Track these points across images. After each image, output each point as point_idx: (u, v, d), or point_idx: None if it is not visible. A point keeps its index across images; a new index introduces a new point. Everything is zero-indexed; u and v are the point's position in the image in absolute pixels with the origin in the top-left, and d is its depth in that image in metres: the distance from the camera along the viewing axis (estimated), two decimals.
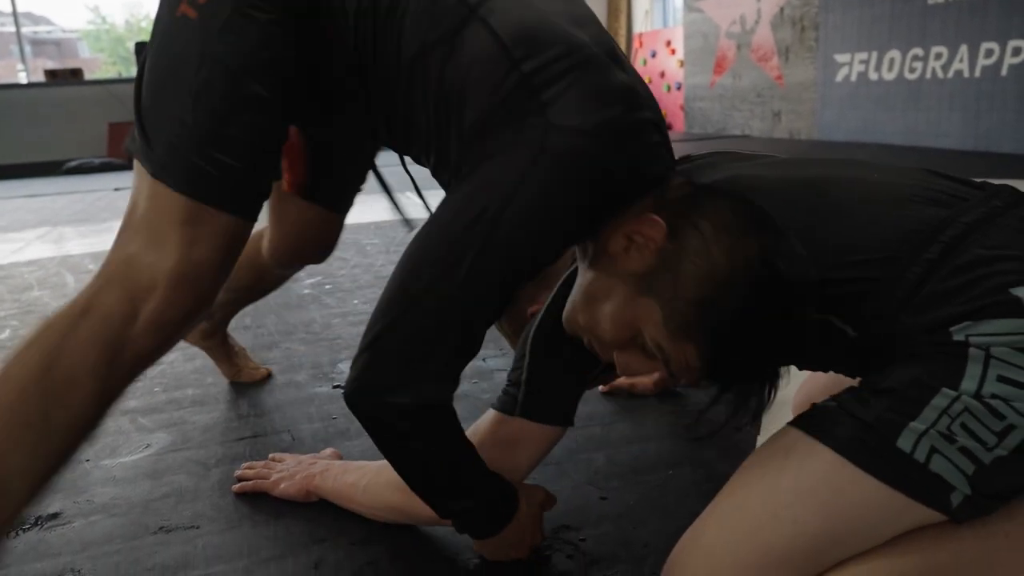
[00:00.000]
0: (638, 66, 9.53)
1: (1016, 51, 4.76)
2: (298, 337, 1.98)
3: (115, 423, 1.49)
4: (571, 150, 0.80)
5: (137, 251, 0.82)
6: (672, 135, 8.31)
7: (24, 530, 1.12)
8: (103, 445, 1.40)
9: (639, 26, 9.70)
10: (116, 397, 0.85)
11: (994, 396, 0.71)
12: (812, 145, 6.35)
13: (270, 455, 1.29)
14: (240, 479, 1.23)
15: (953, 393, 0.72)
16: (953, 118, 5.27)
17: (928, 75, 5.42)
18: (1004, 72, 4.84)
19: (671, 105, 9.00)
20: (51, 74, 8.26)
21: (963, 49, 5.12)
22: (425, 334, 0.83)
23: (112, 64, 20.91)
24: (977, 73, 5.03)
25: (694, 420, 1.10)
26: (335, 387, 1.64)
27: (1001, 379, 0.71)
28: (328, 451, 1.28)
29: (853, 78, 6.12)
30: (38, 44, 20.67)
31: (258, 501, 1.19)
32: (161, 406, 1.57)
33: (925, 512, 0.73)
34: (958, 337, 0.72)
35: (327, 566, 1.02)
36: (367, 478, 1.08)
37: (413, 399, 0.83)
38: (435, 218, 0.85)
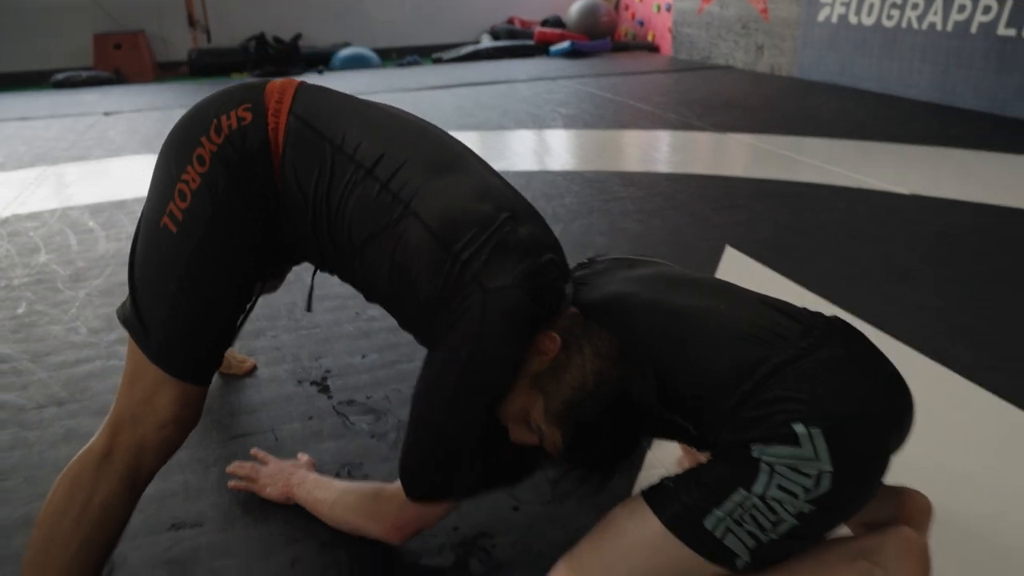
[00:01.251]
0: None
1: (986, 9, 4.87)
2: (282, 324, 2.27)
3: None
4: (505, 302, 1.07)
5: (142, 410, 1.13)
6: (660, 60, 8.36)
7: None
8: None
9: None
10: (135, 504, 1.17)
11: (773, 499, 1.02)
12: (791, 82, 6.48)
13: (252, 451, 1.61)
14: (231, 474, 1.55)
15: (747, 493, 1.03)
16: (924, 69, 5.41)
17: (904, 24, 5.52)
18: (974, 29, 4.96)
19: (660, 27, 8.97)
20: None
21: (938, 2, 5.21)
22: (440, 460, 1.14)
23: None
24: (949, 27, 5.15)
25: (552, 486, 1.40)
26: (312, 384, 1.94)
27: (779, 487, 1.02)
28: (304, 459, 1.59)
29: (834, 19, 6.19)
30: None
31: (248, 500, 1.51)
32: None
33: (717, 570, 1.06)
34: (755, 454, 1.03)
35: (301, 564, 1.35)
36: (332, 497, 1.39)
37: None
38: (428, 375, 1.13)
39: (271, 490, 1.50)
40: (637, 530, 1.09)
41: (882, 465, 1.07)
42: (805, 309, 1.19)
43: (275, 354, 2.10)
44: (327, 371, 2.00)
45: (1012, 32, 4.70)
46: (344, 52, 8.65)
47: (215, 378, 1.97)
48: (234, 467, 1.56)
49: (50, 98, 6.99)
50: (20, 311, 2.41)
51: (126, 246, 2.58)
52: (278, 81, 1.24)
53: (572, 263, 2.44)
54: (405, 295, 1.16)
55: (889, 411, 1.08)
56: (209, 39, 8.60)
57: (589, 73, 7.41)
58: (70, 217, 3.35)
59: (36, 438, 1.73)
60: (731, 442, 1.05)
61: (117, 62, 8.01)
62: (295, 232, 1.21)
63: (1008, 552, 1.34)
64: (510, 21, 9.75)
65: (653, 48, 9.15)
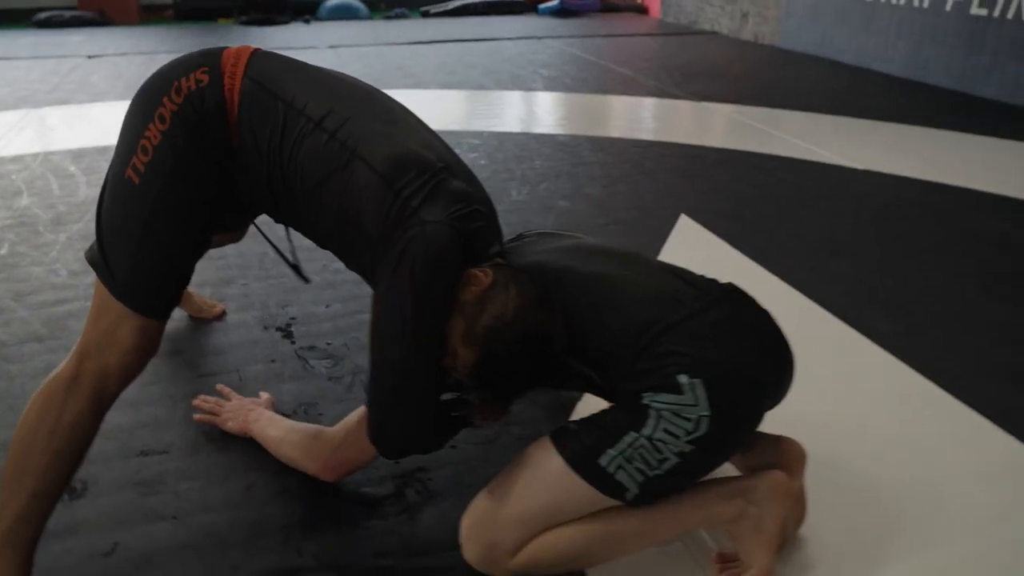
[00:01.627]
0: None
1: None
2: (252, 273, 2.40)
3: None
4: (441, 235, 1.20)
5: (106, 340, 1.25)
6: (647, 23, 8.39)
7: None
8: None
9: None
10: (102, 419, 1.29)
11: (658, 439, 1.18)
12: (773, 51, 6.56)
13: (218, 387, 1.75)
14: (196, 408, 1.70)
15: (636, 434, 1.19)
16: (899, 45, 5.51)
17: None
18: (948, 7, 5.05)
19: None
20: None
21: None
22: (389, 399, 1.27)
23: None
24: (925, 4, 5.23)
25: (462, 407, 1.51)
26: (277, 330, 2.08)
27: (664, 430, 1.18)
28: (265, 397, 1.74)
29: None
30: None
31: (210, 432, 1.66)
32: None
33: (612, 501, 1.22)
34: (646, 401, 1.19)
35: (255, 489, 1.51)
36: (280, 435, 1.55)
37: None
38: (379, 317, 1.25)
39: (232, 424, 1.64)
40: (543, 466, 1.24)
41: (755, 414, 1.23)
42: (703, 277, 1.34)
43: (244, 301, 2.23)
44: (292, 318, 2.14)
45: (984, 12, 4.80)
46: (331, 1, 8.62)
47: (187, 321, 2.11)
48: (199, 401, 1.71)
49: (33, 37, 6.97)
50: (2, 252, 2.52)
51: None
52: (233, 48, 1.36)
53: (531, 226, 2.57)
54: (351, 233, 1.28)
55: (765, 368, 1.24)
56: None
57: (575, 34, 7.45)
58: (52, 161, 3.44)
59: (17, 371, 1.87)
60: (627, 390, 1.21)
61: (101, 3, 7.97)
62: (251, 185, 1.33)
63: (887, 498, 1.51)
64: None
65: (642, 10, 9.17)
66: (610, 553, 1.28)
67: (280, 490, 1.51)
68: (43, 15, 7.63)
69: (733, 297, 1.30)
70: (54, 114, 4.28)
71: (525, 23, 8.12)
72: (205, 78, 1.29)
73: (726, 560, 1.29)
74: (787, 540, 1.34)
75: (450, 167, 1.31)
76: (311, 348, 2.00)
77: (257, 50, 1.38)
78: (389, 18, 8.67)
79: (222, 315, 2.15)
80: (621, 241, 2.61)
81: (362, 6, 8.69)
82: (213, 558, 1.35)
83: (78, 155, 3.49)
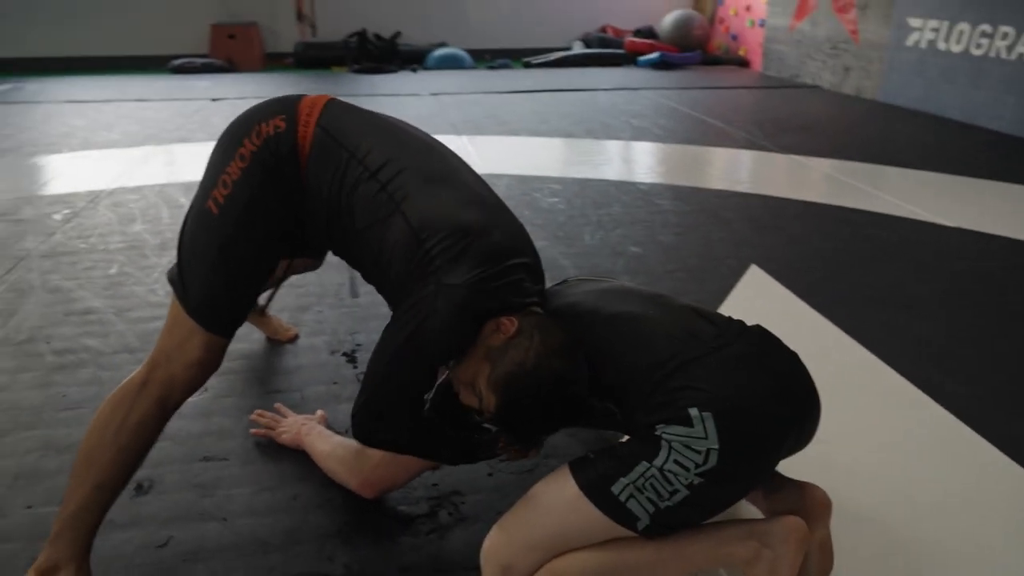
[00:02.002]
0: None
1: None
2: (328, 302, 2.56)
3: None
4: (453, 297, 1.29)
5: (176, 352, 1.39)
6: (748, 76, 8.36)
7: None
8: None
9: None
10: (164, 426, 1.43)
11: (669, 471, 1.21)
12: (874, 106, 6.42)
13: (276, 405, 1.88)
14: (253, 421, 1.83)
15: (648, 464, 1.22)
16: (1009, 101, 5.30)
17: (992, 54, 5.41)
18: None
19: (752, 42, 8.96)
20: None
21: None
22: (378, 410, 1.38)
23: None
24: None
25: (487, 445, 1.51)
26: (343, 355, 2.21)
27: (675, 462, 1.21)
28: (319, 413, 1.85)
29: (923, 45, 6.10)
30: None
31: (268, 444, 1.79)
32: None
33: (623, 530, 1.25)
34: (659, 433, 1.22)
35: (301, 498, 1.61)
36: (328, 449, 1.65)
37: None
38: (382, 340, 1.37)
39: (286, 436, 1.76)
40: (558, 492, 1.29)
41: (767, 453, 1.24)
42: (729, 318, 1.37)
43: (316, 327, 2.38)
44: (358, 345, 2.27)
45: None
46: (439, 52, 9.02)
47: (263, 342, 2.27)
48: (255, 415, 1.84)
49: (167, 82, 7.62)
50: (112, 271, 2.78)
51: None
52: (311, 96, 1.50)
53: (600, 270, 2.63)
54: (383, 276, 1.41)
55: (781, 408, 1.25)
56: (314, 33, 9.12)
57: (672, 86, 7.51)
58: (167, 193, 3.76)
59: (108, 377, 2.06)
60: (643, 423, 1.25)
61: (230, 51, 8.62)
62: (313, 222, 1.46)
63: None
64: (603, 29, 9.92)
65: (744, 63, 9.14)
66: None
67: (323, 501, 1.60)
68: (178, 62, 8.33)
69: (755, 336, 1.32)
70: (175, 151, 4.67)
71: (623, 75, 8.25)
72: (283, 125, 1.43)
73: None
74: None
75: (487, 228, 1.37)
76: None
77: (332, 100, 1.51)
78: (492, 68, 8.98)
79: (295, 338, 2.30)
80: (687, 289, 2.63)
81: (467, 57, 9.05)
82: (254, 558, 1.45)
83: (189, 188, 3.80)
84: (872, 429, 1.87)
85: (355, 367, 2.14)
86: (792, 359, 1.32)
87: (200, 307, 1.40)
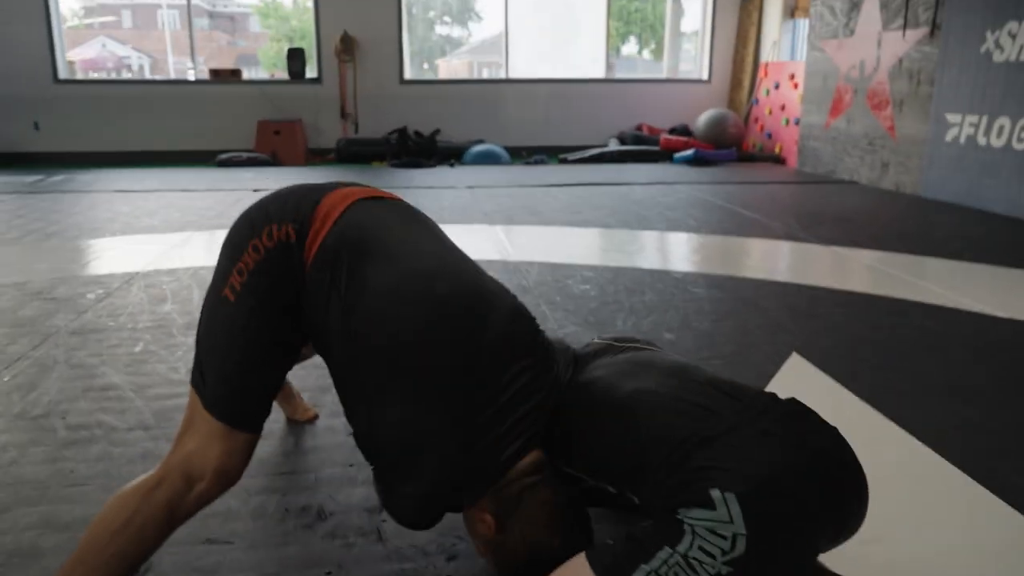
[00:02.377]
0: (761, 96, 9.59)
1: None
2: None
3: None
4: (403, 505, 1.30)
5: (194, 451, 1.31)
6: (784, 172, 8.38)
7: None
8: None
9: (766, 55, 9.73)
10: (167, 537, 1.34)
11: (694, 558, 1.09)
12: (914, 200, 6.33)
13: None
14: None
15: (671, 551, 1.11)
16: None
17: None
18: None
19: (787, 139, 9.03)
20: (214, 73, 9.30)
21: None
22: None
23: (276, 41, 22.50)
24: None
25: None
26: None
27: (700, 548, 1.09)
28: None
29: (962, 140, 6.06)
30: (216, 17, 22.95)
31: (273, 528, 1.68)
32: None
33: None
34: (680, 517, 1.11)
35: None
36: None
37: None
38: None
39: None
40: None
41: (803, 539, 1.11)
42: (760, 391, 1.27)
43: (337, 408, 2.29)
44: None
45: None
46: (477, 148, 9.23)
47: (281, 421, 2.19)
48: None
49: (214, 174, 7.87)
50: (137, 349, 2.76)
51: None
52: (332, 197, 1.41)
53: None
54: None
55: (816, 487, 1.13)
56: (356, 130, 9.43)
57: (707, 180, 7.54)
58: (200, 276, 3.78)
59: (119, 454, 1.99)
60: (661, 507, 1.14)
61: (275, 146, 8.92)
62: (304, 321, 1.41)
63: None
64: (639, 128, 10.10)
65: (779, 160, 9.18)
66: None
67: None
68: (224, 155, 8.64)
69: (785, 410, 1.21)
70: (212, 237, 4.75)
71: (658, 170, 8.32)
72: (293, 235, 1.35)
73: None
74: None
75: (481, 404, 1.26)
76: None
77: (351, 207, 1.40)
78: (528, 164, 9.14)
79: (314, 419, 2.22)
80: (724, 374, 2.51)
81: (504, 153, 9.24)
82: None
83: None
84: (931, 525, 1.71)
85: None
86: (831, 433, 1.21)
87: (219, 398, 1.33)
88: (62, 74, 9.01)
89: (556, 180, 7.46)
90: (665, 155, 9.32)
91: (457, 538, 1.65)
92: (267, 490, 1.83)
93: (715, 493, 1.10)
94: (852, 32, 7.53)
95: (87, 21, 19.03)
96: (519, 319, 1.36)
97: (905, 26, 6.74)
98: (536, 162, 9.23)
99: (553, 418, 1.33)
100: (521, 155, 9.62)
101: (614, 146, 9.56)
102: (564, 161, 9.23)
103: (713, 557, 1.08)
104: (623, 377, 1.34)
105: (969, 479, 1.90)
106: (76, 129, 8.92)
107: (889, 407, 2.29)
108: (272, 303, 1.35)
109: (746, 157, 9.38)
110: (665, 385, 1.29)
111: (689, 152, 9.04)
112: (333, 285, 1.32)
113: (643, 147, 9.37)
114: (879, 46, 7.11)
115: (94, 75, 15.12)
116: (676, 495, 1.13)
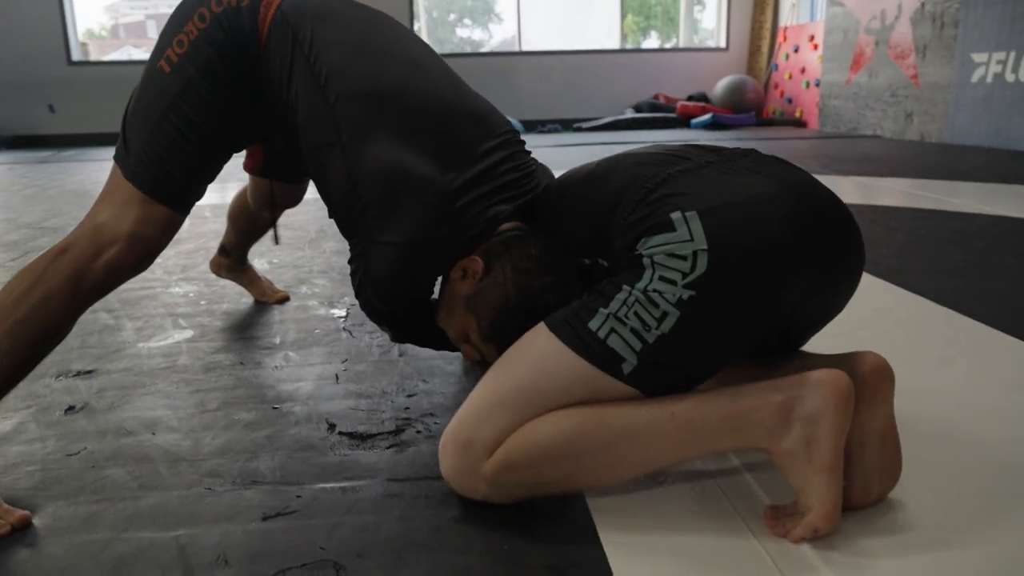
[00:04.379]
0: (780, 61, 9.35)
1: None
2: (330, 276, 2.35)
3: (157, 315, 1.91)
4: (385, 257, 1.15)
5: (106, 219, 1.19)
6: (803, 132, 8.13)
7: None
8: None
9: (785, 19, 9.48)
10: (78, 313, 1.19)
11: (654, 290, 0.94)
12: (941, 147, 6.08)
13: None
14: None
15: (630, 289, 0.96)
16: None
17: None
18: None
19: (808, 102, 8.77)
20: None
21: None
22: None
23: None
24: None
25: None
26: (331, 308, 1.99)
27: (660, 278, 0.94)
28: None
29: (989, 79, 5.80)
30: None
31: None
32: (195, 311, 1.99)
33: (607, 380, 0.96)
34: (639, 251, 0.97)
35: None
36: None
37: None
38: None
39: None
40: (528, 342, 1.02)
41: (770, 264, 0.95)
42: (740, 149, 1.12)
43: (311, 293, 2.17)
44: (351, 304, 2.04)
45: None
46: None
47: (248, 303, 2.07)
48: None
49: None
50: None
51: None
52: None
53: None
54: (328, 205, 1.28)
55: (788, 213, 0.98)
56: None
57: (724, 140, 7.33)
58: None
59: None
60: (621, 247, 1.00)
61: None
62: (265, 109, 1.28)
63: None
64: (655, 97, 9.89)
65: (800, 123, 8.94)
66: (609, 460, 0.99)
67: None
68: None
69: (766, 158, 1.06)
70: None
71: (673, 134, 8.12)
72: (246, 0, 1.25)
73: (779, 515, 0.98)
74: (873, 497, 1.00)
75: (460, 161, 1.18)
76: (361, 324, 1.87)
77: None
78: (541, 132, 9.00)
79: (284, 300, 2.10)
80: None
81: (518, 124, 9.11)
82: None
83: (216, 207, 3.74)
84: (946, 366, 1.54)
85: (344, 321, 1.91)
86: (813, 181, 1.05)
87: (140, 168, 1.20)
88: (75, 56, 9.02)
89: (568, 142, 7.32)
90: (682, 122, 9.11)
91: (422, 381, 1.51)
92: (226, 351, 1.70)
93: (675, 215, 0.96)
94: None
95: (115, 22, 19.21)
96: (496, 112, 1.33)
97: None
98: (549, 131, 9.09)
99: (531, 213, 1.21)
100: (536, 128, 9.47)
101: (629, 114, 9.37)
102: (578, 129, 9.07)
103: (673, 283, 0.93)
104: (596, 162, 1.19)
105: (991, 329, 1.71)
106: (90, 110, 8.91)
107: (923, 289, 2.11)
108: (214, 75, 1.22)
109: (765, 122, 9.14)
110: (641, 151, 1.15)
111: (707, 117, 8.82)
112: (296, 48, 1.22)
113: (659, 114, 9.17)
114: None
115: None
116: (635, 229, 0.99)
